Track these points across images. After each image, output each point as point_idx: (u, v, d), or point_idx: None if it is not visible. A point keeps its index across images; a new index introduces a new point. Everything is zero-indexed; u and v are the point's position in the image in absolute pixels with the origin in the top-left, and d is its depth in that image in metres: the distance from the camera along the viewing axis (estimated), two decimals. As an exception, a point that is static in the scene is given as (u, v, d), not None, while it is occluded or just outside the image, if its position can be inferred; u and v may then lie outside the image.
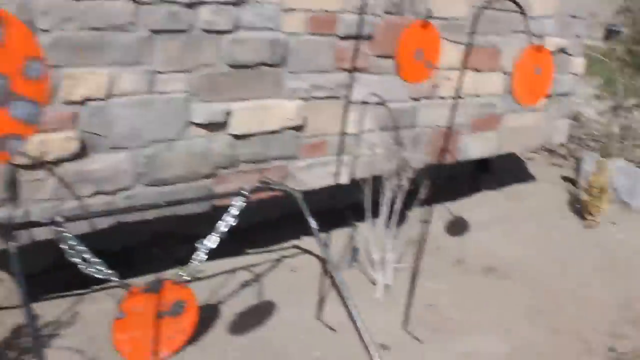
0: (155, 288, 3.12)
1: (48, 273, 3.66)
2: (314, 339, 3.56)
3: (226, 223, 3.20)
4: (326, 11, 3.66)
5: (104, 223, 3.30)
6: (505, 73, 4.75)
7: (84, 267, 2.87)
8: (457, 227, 5.09)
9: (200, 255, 3.17)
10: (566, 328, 4.00)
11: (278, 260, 4.35)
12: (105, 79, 3.08)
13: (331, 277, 3.78)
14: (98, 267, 2.90)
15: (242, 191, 3.22)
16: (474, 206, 5.59)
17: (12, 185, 2.99)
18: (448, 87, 4.39)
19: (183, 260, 4.01)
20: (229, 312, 3.69)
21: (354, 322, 3.08)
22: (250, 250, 4.41)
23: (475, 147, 4.81)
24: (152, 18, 3.12)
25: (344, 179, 4.11)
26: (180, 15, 3.19)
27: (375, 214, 4.12)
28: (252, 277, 4.10)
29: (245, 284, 4.01)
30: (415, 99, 4.30)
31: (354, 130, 4.04)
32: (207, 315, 3.60)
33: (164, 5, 3.13)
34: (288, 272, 4.22)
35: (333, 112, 3.89)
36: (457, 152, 4.70)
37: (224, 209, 3.27)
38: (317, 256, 4.41)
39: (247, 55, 3.46)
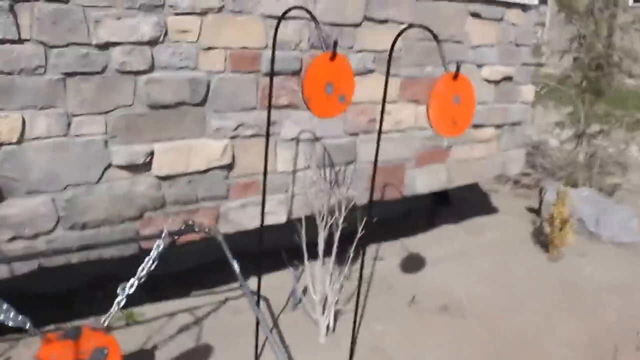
0: (72, 335, 3.04)
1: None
2: None
3: (147, 267, 3.14)
4: (247, 48, 3.65)
5: (23, 268, 3.25)
6: (447, 105, 4.72)
7: (-8, 314, 2.80)
8: (412, 263, 5.00)
9: (122, 301, 3.11)
10: (524, 374, 3.81)
11: (222, 302, 4.25)
12: (18, 122, 3.06)
13: (273, 321, 3.70)
14: (7, 313, 2.83)
15: (162, 234, 3.17)
16: (432, 241, 5.49)
17: None
18: (388, 121, 4.35)
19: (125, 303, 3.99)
20: (163, 357, 3.60)
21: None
22: (194, 292, 4.32)
23: (422, 181, 4.75)
24: (63, 61, 3.11)
25: (280, 219, 4.05)
26: (92, 57, 3.18)
27: (317, 253, 4.02)
28: (193, 320, 4.01)
29: (184, 328, 3.92)
30: (353, 134, 4.26)
31: (288, 168, 4.00)
32: (139, 361, 3.52)
33: (74, 48, 3.13)
34: (230, 315, 4.13)
35: (263, 151, 3.85)
36: (403, 187, 4.63)
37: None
38: (262, 297, 4.32)
39: (165, 95, 3.44)
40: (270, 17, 3.69)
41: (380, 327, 4.13)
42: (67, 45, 3.11)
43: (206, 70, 3.57)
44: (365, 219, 3.81)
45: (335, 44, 2.90)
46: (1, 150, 3.06)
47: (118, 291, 3.10)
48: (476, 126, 4.93)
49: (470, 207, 6.28)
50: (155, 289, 4.18)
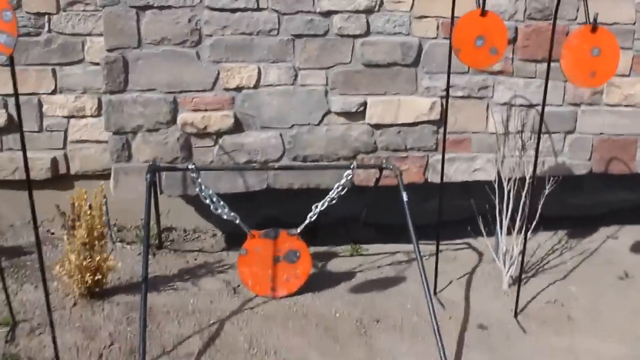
0: (271, 235, 3.92)
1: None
2: (419, 308, 3.94)
3: (336, 192, 3.87)
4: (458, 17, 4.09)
5: (255, 186, 4.23)
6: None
7: (214, 207, 3.80)
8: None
9: (312, 217, 3.89)
10: None
11: (441, 251, 4.72)
12: (255, 72, 4.03)
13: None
14: (224, 209, 3.81)
15: (350, 165, 3.86)
16: None
17: (187, 148, 4.10)
18: (617, 94, 4.38)
19: (358, 240, 4.75)
20: (362, 278, 4.29)
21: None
22: (423, 241, 4.85)
23: (659, 160, 4.61)
24: (292, 25, 3.99)
25: (489, 176, 4.38)
26: (316, 22, 4.00)
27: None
28: (406, 259, 4.59)
29: (393, 263, 4.53)
30: (575, 105, 4.39)
31: (499, 130, 4.33)
32: (340, 278, 4.27)
33: (302, 15, 3.98)
34: (441, 262, 4.56)
35: (474, 112, 4.28)
36: (633, 164, 4.56)
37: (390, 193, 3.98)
38: (480, 254, 4.70)
39: (379, 56, 4.11)
40: (482, -11, 4.10)
41: (575, 289, 4.28)
42: (296, 13, 3.98)
43: (419, 36, 4.13)
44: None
45: (484, 0, 3.26)
46: (242, 92, 4.06)
47: (314, 207, 3.89)
48: None
49: None
50: (391, 235, 4.86)
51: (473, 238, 4.79)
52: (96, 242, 3.74)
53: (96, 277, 3.73)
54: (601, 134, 4.49)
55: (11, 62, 2.77)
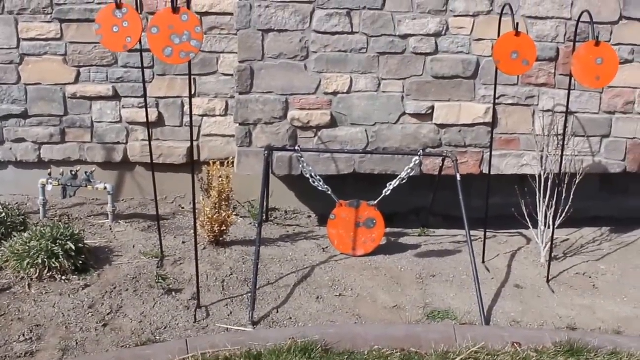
0: (355, 205, 5.07)
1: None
2: (468, 271, 4.89)
3: (406, 173, 4.96)
4: (506, 41, 5.16)
5: (344, 170, 5.41)
6: None
7: (312, 181, 4.99)
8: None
9: (387, 192, 5.00)
10: None
11: (495, 237, 5.72)
12: (347, 81, 5.25)
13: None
14: (320, 182, 4.98)
15: (418, 153, 4.97)
16: None
17: (293, 138, 5.34)
18: (644, 104, 5.32)
19: (428, 224, 5.82)
20: (425, 249, 5.37)
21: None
22: (479, 229, 5.57)
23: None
24: (378, 45, 5.19)
25: (533, 171, 5.35)
26: (396, 43, 5.19)
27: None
28: (465, 240, 5.45)
29: (454, 242, 5.54)
30: (609, 113, 5.34)
31: (544, 132, 5.32)
32: (408, 247, 5.36)
33: (385, 37, 5.17)
34: (495, 243, 5.55)
35: (522, 116, 5.31)
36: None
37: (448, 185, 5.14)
38: (528, 240, 5.64)
39: (444, 70, 5.25)
40: (530, 17, 5.18)
41: (604, 267, 5.17)
42: (380, 36, 5.18)
43: (477, 54, 5.23)
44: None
45: (518, 25, 4.31)
46: (338, 96, 5.28)
47: (389, 184, 4.98)
48: None
49: None
50: (455, 224, 5.77)
51: (526, 229, 5.68)
52: (223, 202, 5.02)
53: (222, 229, 5.00)
54: (634, 138, 5.41)
55: (189, 72, 3.98)
